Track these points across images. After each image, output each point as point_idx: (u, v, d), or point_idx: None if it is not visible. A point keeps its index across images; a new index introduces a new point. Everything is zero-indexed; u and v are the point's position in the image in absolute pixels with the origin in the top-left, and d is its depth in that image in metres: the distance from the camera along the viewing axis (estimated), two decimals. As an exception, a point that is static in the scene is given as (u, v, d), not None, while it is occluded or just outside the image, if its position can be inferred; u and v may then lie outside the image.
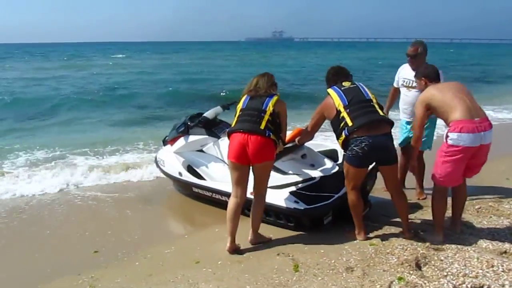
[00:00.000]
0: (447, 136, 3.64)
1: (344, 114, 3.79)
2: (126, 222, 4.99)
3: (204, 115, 5.53)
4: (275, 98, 3.96)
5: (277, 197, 4.41)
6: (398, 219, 4.31)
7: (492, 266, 3.34)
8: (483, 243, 3.82)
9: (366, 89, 3.97)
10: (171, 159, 5.62)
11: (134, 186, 6.36)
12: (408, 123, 5.06)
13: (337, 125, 3.87)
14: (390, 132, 3.84)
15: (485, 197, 5.14)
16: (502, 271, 3.26)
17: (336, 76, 4.16)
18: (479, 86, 21.09)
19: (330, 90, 4.00)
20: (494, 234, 4.03)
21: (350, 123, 3.73)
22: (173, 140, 5.75)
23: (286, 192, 4.39)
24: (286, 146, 4.58)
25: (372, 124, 3.73)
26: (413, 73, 4.51)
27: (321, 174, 4.50)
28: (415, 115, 3.99)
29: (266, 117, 3.85)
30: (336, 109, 3.84)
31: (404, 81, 5.10)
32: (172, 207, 5.62)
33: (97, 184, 6.47)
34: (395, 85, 5.32)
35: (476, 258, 3.50)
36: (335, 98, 3.89)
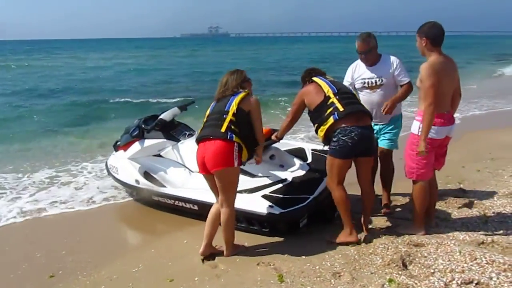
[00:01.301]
0: (419, 128, 3.58)
1: (334, 100, 3.69)
2: (82, 239, 4.51)
3: (161, 117, 5.15)
4: (240, 95, 3.62)
5: (248, 202, 4.16)
6: (371, 216, 4.24)
7: (475, 259, 3.30)
8: (460, 235, 3.81)
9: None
10: (126, 166, 5.19)
11: (84, 198, 5.82)
12: (375, 125, 4.37)
13: (322, 111, 3.72)
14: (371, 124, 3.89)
15: (448, 187, 5.21)
16: (486, 263, 3.23)
17: (313, 71, 4.04)
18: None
19: (316, 79, 3.88)
20: (468, 225, 4.06)
21: (341, 108, 3.62)
22: (126, 145, 5.32)
23: (257, 196, 4.15)
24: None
25: (360, 115, 3.70)
26: (372, 72, 4.31)
27: (292, 175, 4.32)
28: (423, 87, 3.49)
29: (228, 118, 3.52)
30: (325, 95, 3.74)
31: (364, 82, 4.36)
32: (130, 218, 5.18)
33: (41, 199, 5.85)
34: (348, 85, 4.35)
35: (459, 252, 3.46)
36: (323, 84, 3.81)
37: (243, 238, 4.04)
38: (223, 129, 3.49)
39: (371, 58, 4.32)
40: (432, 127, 3.53)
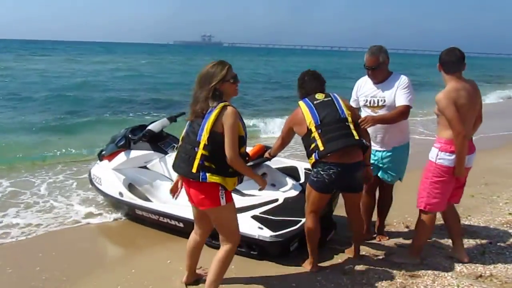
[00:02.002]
0: (437, 156, 3.41)
1: (315, 134, 3.33)
2: (56, 255, 4.25)
3: (149, 128, 4.94)
4: (212, 115, 2.78)
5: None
6: (366, 242, 4.07)
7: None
8: (457, 267, 3.65)
9: (342, 103, 3.45)
10: (110, 177, 4.95)
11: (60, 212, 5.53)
12: (376, 151, 4.02)
13: (307, 144, 3.42)
14: (362, 159, 3.45)
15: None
16: (485, 300, 3.07)
17: (310, 83, 3.61)
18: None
19: (301, 103, 3.49)
20: (465, 255, 3.88)
21: (321, 147, 3.28)
22: (111, 155, 5.10)
23: (247, 216, 3.94)
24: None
25: (345, 151, 3.30)
26: (377, 89, 3.91)
27: (284, 195, 4.12)
28: (446, 118, 3.29)
29: (199, 153, 2.82)
30: (307, 127, 3.38)
31: (366, 101, 3.97)
32: (110, 232, 4.91)
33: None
34: (353, 104, 4.03)
35: (456, 286, 3.32)
36: (306, 114, 3.40)
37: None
38: (194, 169, 2.83)
39: (379, 75, 3.88)
40: (450, 154, 3.36)
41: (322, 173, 3.32)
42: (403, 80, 3.84)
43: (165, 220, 4.48)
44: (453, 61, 3.35)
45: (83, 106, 15.03)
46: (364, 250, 4.05)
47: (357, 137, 3.34)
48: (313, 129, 3.33)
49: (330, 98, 3.47)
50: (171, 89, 20.58)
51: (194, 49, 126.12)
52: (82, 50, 73.69)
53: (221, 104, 2.80)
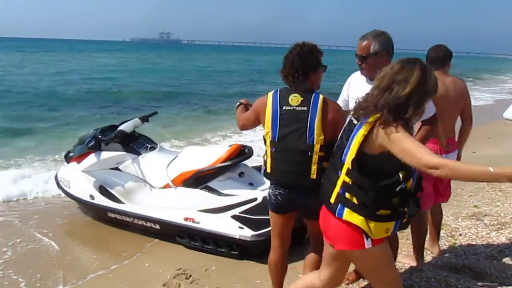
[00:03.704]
0: None
1: (268, 149, 2.66)
2: (21, 258, 4.05)
3: (120, 128, 4.81)
4: (364, 128, 2.06)
5: (216, 223, 3.93)
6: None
7: (451, 286, 3.26)
8: (432, 259, 3.77)
9: (318, 120, 2.50)
10: (79, 179, 4.79)
11: (28, 206, 5.30)
12: None
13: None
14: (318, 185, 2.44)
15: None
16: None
17: (292, 65, 2.58)
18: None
19: (269, 98, 2.63)
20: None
21: (268, 168, 2.67)
22: (80, 157, 4.92)
23: (227, 216, 3.92)
24: (223, 164, 4.14)
25: None
26: (367, 87, 2.63)
27: (263, 194, 4.12)
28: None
29: (340, 179, 2.13)
30: (264, 134, 2.67)
31: (356, 102, 3.05)
32: (83, 237, 4.75)
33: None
34: (342, 105, 2.94)
35: (433, 278, 3.40)
36: (267, 119, 2.60)
37: (209, 261, 3.79)
38: (332, 199, 2.17)
39: (372, 68, 2.79)
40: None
41: (271, 192, 2.76)
42: None
43: (140, 222, 4.39)
44: (437, 57, 3.42)
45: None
46: None
47: (313, 176, 2.53)
48: (268, 142, 2.64)
49: (305, 108, 2.53)
50: (128, 87, 20.14)
51: (152, 46, 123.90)
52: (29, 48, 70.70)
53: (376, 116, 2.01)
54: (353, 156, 2.02)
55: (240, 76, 29.60)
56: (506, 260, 3.73)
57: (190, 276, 3.65)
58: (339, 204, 2.11)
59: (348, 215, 2.07)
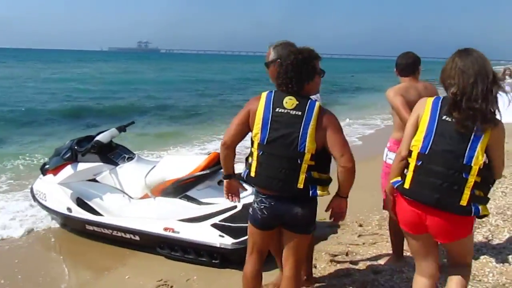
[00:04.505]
0: (386, 155, 3.55)
1: (254, 154, 2.49)
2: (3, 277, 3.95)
3: (97, 138, 4.74)
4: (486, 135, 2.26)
5: (196, 232, 3.90)
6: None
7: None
8: (411, 260, 3.79)
9: (312, 127, 2.38)
10: (56, 191, 4.70)
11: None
12: None
13: (248, 156, 2.62)
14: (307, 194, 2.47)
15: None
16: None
17: (294, 73, 2.43)
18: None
19: (262, 99, 2.49)
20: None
21: (252, 173, 2.50)
22: (56, 169, 4.82)
23: (206, 225, 3.90)
24: (202, 173, 4.12)
25: None
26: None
27: (243, 201, 4.08)
28: (393, 109, 3.32)
29: (467, 193, 2.24)
30: (252, 135, 2.53)
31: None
32: (60, 251, 4.64)
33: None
34: None
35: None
36: (257, 120, 2.46)
37: (191, 271, 3.75)
38: (464, 202, 2.22)
39: (271, 75, 2.86)
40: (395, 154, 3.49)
41: (255, 206, 2.60)
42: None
43: (119, 234, 4.33)
44: (407, 63, 3.50)
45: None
46: (339, 249, 4.12)
47: (300, 185, 2.42)
48: (255, 144, 2.49)
49: (300, 113, 2.40)
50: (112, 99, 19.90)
51: (130, 56, 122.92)
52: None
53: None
54: (482, 157, 2.18)
55: (218, 86, 29.63)
56: (484, 258, 3.79)
57: (172, 287, 3.61)
58: (473, 204, 2.22)
59: (484, 210, 2.26)
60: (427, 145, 2.25)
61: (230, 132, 2.59)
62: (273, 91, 2.51)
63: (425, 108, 2.31)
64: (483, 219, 4.59)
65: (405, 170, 2.35)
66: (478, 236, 4.25)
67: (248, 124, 2.54)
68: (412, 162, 2.30)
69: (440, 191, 2.22)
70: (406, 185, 2.32)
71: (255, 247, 2.71)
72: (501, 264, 3.68)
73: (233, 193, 2.81)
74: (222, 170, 4.22)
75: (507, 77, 13.85)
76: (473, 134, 2.18)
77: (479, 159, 2.18)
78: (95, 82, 28.61)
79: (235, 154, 2.69)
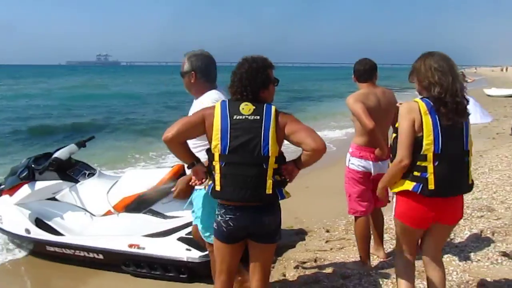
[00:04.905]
0: (349, 161, 3.60)
1: (216, 165, 2.38)
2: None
3: (55, 155, 4.56)
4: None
5: (162, 247, 3.82)
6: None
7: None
8: (379, 263, 3.87)
9: (272, 130, 2.33)
10: (13, 213, 4.49)
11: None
12: None
13: (209, 161, 2.47)
14: (276, 198, 2.44)
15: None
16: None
17: (243, 78, 2.40)
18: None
19: (217, 108, 2.40)
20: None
21: (217, 186, 2.39)
22: (12, 189, 4.61)
23: (173, 239, 3.82)
24: (165, 186, 4.04)
25: None
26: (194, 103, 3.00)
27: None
28: (355, 115, 3.40)
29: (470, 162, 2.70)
30: (211, 148, 2.39)
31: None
32: (16, 272, 4.43)
33: None
34: None
35: (381, 281, 3.49)
36: (215, 130, 2.36)
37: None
38: (470, 180, 2.63)
39: (185, 85, 3.05)
40: (359, 159, 3.55)
41: (219, 218, 2.48)
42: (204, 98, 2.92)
43: (82, 253, 4.17)
44: (364, 69, 3.57)
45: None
46: (307, 256, 4.12)
47: (269, 191, 2.36)
48: (216, 156, 2.37)
49: (258, 117, 2.36)
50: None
51: (90, 69, 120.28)
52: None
53: None
54: (472, 143, 2.55)
55: (183, 98, 29.38)
56: (447, 257, 3.89)
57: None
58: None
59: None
60: (438, 145, 2.41)
61: (176, 128, 2.40)
62: (227, 100, 2.47)
63: (421, 111, 2.43)
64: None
65: (419, 173, 2.46)
66: (441, 235, 4.37)
67: (199, 128, 2.43)
68: (429, 164, 2.42)
69: (462, 179, 2.53)
70: (431, 186, 2.44)
71: (224, 265, 2.58)
72: (464, 262, 3.79)
73: (201, 178, 2.54)
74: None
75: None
76: (463, 126, 2.48)
77: (472, 144, 2.54)
78: (53, 98, 27.79)
79: (186, 143, 2.53)
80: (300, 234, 4.80)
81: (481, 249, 4.00)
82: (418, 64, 2.54)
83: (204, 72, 2.93)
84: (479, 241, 4.17)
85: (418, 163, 2.44)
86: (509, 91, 20.05)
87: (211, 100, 2.79)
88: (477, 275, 3.52)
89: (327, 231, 4.86)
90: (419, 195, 2.48)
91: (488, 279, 3.43)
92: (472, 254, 3.92)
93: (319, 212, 5.46)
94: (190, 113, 2.76)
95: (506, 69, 76.79)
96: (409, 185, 2.49)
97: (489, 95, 22.47)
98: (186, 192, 2.97)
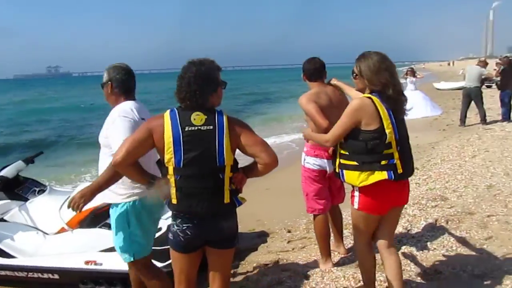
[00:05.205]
0: (304, 160, 3.62)
1: (171, 180, 2.31)
2: None
3: (1, 174, 4.35)
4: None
5: (121, 261, 3.67)
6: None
7: (360, 281, 3.39)
8: (340, 259, 3.92)
9: (226, 139, 2.31)
10: (-45, 238, 4.23)
11: None
12: None
13: (162, 174, 2.42)
14: (234, 207, 2.43)
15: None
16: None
17: (197, 85, 2.31)
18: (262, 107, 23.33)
19: (166, 118, 2.31)
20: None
21: (174, 200, 2.33)
22: (-46, 212, 4.35)
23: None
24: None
25: None
26: None
27: (167, 222, 3.96)
28: (308, 115, 3.41)
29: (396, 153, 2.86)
30: (165, 161, 2.32)
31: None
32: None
33: None
34: None
35: (343, 277, 3.53)
36: (167, 144, 2.28)
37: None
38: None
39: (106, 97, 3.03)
40: (314, 157, 3.57)
41: (175, 228, 2.42)
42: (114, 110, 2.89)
43: (36, 275, 3.98)
44: (315, 68, 3.60)
45: None
46: (270, 258, 4.10)
47: (227, 200, 2.35)
48: (170, 170, 2.30)
49: (211, 127, 2.31)
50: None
51: (40, 82, 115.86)
52: None
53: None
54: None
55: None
56: (405, 248, 4.00)
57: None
58: None
59: None
60: (396, 133, 2.62)
61: (125, 149, 2.31)
62: (175, 109, 2.36)
63: (376, 105, 2.61)
64: (402, 212, 4.86)
65: (386, 162, 2.62)
66: (398, 227, 4.46)
67: (148, 143, 2.33)
68: (394, 150, 2.63)
69: (412, 160, 2.80)
70: (400, 170, 2.64)
71: (183, 275, 2.52)
72: (421, 251, 3.90)
73: (167, 194, 2.39)
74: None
75: (408, 77, 14.94)
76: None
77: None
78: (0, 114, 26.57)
79: (138, 163, 2.42)
80: (262, 237, 4.80)
81: (437, 238, 4.12)
82: (365, 65, 2.68)
83: (119, 83, 2.93)
84: (435, 230, 4.30)
85: (385, 152, 2.61)
86: (456, 84, 20.94)
87: (118, 112, 2.79)
88: (434, 263, 3.62)
89: (289, 231, 4.88)
90: (388, 182, 2.62)
91: (444, 266, 3.54)
92: (428, 244, 4.03)
93: (281, 213, 5.48)
94: (105, 124, 2.80)
95: (453, 63, 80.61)
96: (382, 175, 2.62)
97: (438, 89, 23.51)
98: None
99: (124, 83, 2.92)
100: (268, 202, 6.07)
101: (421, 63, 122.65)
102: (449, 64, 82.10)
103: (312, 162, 3.63)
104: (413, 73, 14.91)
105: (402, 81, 16.52)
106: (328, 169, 3.59)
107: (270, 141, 11.34)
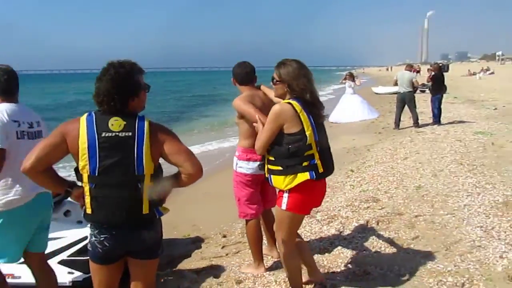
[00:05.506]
0: (236, 164, 3.57)
1: (86, 187, 2.19)
2: None
3: None
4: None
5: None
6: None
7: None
8: (273, 264, 3.89)
9: (146, 146, 2.18)
10: None
11: None
12: None
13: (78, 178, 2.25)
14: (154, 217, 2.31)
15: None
16: None
17: (106, 84, 2.19)
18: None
19: (82, 122, 2.16)
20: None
21: (88, 209, 2.21)
22: None
23: (53, 263, 3.46)
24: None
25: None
26: None
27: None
28: (244, 115, 3.37)
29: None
30: (79, 168, 2.18)
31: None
32: None
33: None
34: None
35: (274, 281, 3.51)
36: (82, 150, 2.14)
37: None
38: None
39: None
40: (247, 161, 3.52)
41: (93, 240, 2.28)
42: None
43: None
44: (246, 72, 3.57)
45: None
46: (203, 265, 4.03)
47: (146, 211, 2.23)
48: (85, 178, 2.18)
49: (130, 133, 2.18)
50: None
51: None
52: None
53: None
54: None
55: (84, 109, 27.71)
56: (336, 250, 4.05)
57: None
58: None
59: None
60: (315, 134, 2.73)
61: (35, 154, 2.14)
62: (92, 113, 2.22)
63: (296, 110, 2.70)
64: (335, 214, 4.94)
65: (308, 163, 2.72)
66: (331, 229, 4.55)
67: (61, 148, 2.18)
68: (314, 151, 2.73)
69: (331, 160, 2.91)
70: (321, 170, 2.76)
71: (102, 286, 2.40)
72: (352, 252, 3.97)
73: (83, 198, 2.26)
74: (65, 198, 3.87)
75: (347, 81, 15.38)
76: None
77: None
78: None
79: (52, 170, 2.27)
80: (196, 242, 4.70)
81: (367, 239, 4.22)
82: (285, 71, 2.80)
83: None
84: (365, 232, 4.40)
85: (306, 153, 2.72)
86: (393, 88, 21.77)
87: None
88: (363, 264, 3.69)
89: (224, 236, 4.81)
90: (311, 182, 2.74)
91: (372, 267, 3.62)
92: (359, 245, 4.12)
93: (217, 218, 5.41)
94: None
95: (391, 69, 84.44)
96: (304, 176, 2.73)
97: (376, 93, 24.47)
98: None
99: (2, 85, 2.86)
100: (205, 207, 5.99)
101: (362, 68, 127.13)
102: (387, 69, 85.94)
103: (245, 167, 3.59)
104: (352, 77, 15.32)
105: (341, 85, 17.25)
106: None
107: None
